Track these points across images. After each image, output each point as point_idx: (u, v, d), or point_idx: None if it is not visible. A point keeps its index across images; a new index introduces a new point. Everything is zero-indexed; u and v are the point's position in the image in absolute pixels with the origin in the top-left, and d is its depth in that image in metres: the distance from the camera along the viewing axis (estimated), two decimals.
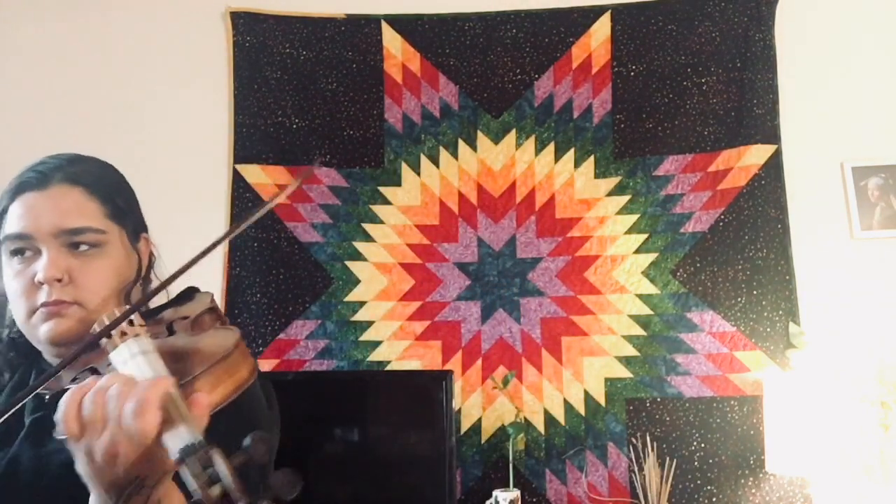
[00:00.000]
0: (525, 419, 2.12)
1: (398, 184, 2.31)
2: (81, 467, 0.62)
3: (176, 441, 0.56)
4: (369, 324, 2.23)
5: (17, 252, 0.85)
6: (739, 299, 2.15)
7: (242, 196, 2.32)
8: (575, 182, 2.28)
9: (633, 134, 2.28)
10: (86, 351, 0.66)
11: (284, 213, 2.29)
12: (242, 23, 2.42)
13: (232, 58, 2.41)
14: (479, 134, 2.34)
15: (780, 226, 2.18)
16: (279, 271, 2.26)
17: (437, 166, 2.33)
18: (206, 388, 0.64)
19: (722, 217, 2.20)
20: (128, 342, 0.66)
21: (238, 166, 2.33)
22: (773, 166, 2.21)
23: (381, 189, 2.31)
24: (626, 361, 2.16)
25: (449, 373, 1.97)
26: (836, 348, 2.00)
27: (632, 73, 2.31)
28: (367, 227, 2.29)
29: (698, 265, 2.18)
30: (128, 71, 2.46)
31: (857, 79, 2.27)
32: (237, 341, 0.69)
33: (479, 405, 2.16)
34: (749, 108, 2.25)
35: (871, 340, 2.04)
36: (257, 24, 2.41)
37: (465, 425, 2.14)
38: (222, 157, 2.36)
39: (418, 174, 2.32)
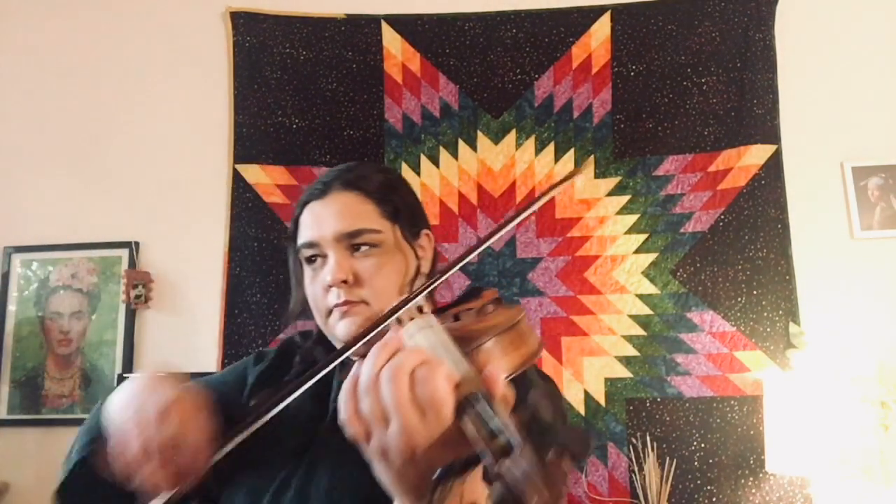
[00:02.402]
0: None
1: None
2: (381, 474, 0.56)
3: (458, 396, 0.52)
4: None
5: (310, 259, 0.91)
6: (739, 299, 2.15)
7: (242, 196, 2.32)
8: (575, 182, 2.28)
9: (633, 134, 2.28)
10: (371, 332, 0.63)
11: (284, 213, 2.29)
12: (242, 23, 2.42)
13: (232, 58, 2.41)
14: (479, 134, 2.34)
15: (780, 226, 2.18)
16: (279, 271, 2.25)
17: (437, 166, 2.32)
18: (493, 357, 0.60)
19: (722, 217, 2.20)
20: (415, 320, 0.64)
21: (238, 166, 2.33)
22: (773, 166, 2.21)
23: None
24: (626, 361, 2.16)
25: None
26: (836, 348, 2.00)
27: (632, 73, 2.31)
28: None
29: (698, 265, 2.18)
30: (128, 71, 2.47)
31: (857, 79, 2.27)
32: (524, 315, 0.67)
33: None
34: (749, 108, 2.25)
35: (871, 340, 2.04)
36: (257, 24, 2.41)
37: None
38: (222, 157, 2.36)
39: (418, 174, 2.32)
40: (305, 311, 0.95)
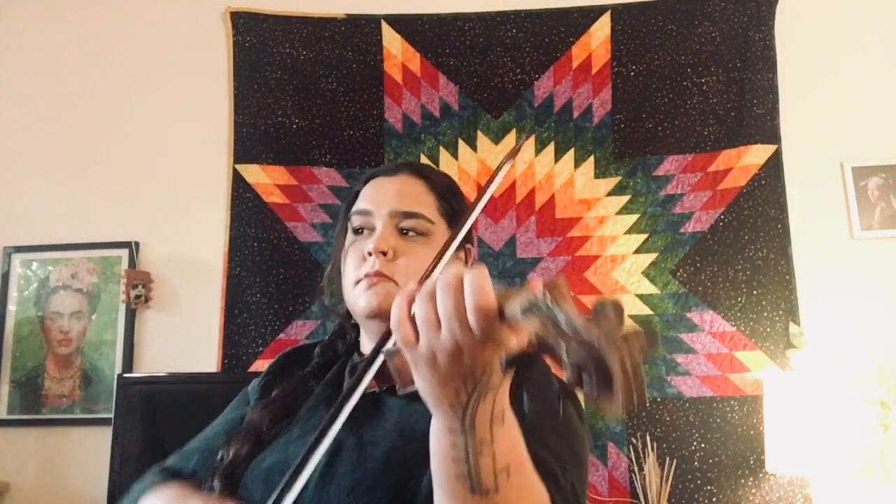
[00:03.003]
0: None
1: None
2: (423, 383, 0.59)
3: (515, 306, 0.52)
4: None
5: (357, 230, 0.93)
6: (739, 299, 2.15)
7: (242, 196, 2.32)
8: (575, 182, 2.28)
9: (633, 134, 2.28)
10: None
11: (284, 213, 2.29)
12: (242, 23, 2.42)
13: (232, 58, 2.41)
14: (479, 134, 2.34)
15: (780, 226, 2.18)
16: (279, 271, 2.25)
17: (437, 166, 2.32)
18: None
19: (722, 217, 2.20)
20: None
21: (238, 166, 2.33)
22: (773, 166, 2.21)
23: None
24: None
25: None
26: (836, 348, 2.00)
27: (632, 73, 2.31)
28: None
29: (698, 265, 2.18)
30: (128, 71, 2.47)
31: (857, 79, 2.27)
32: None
33: None
34: (749, 108, 2.25)
35: (871, 340, 2.04)
36: (257, 24, 2.41)
37: None
38: (222, 157, 2.36)
39: None
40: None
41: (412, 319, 0.58)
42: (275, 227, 2.28)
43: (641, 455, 2.06)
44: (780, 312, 2.13)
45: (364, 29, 2.40)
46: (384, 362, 0.68)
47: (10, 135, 2.47)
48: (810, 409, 1.79)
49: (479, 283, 0.56)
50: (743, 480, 2.04)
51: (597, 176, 2.27)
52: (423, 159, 2.32)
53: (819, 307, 2.13)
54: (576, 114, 2.32)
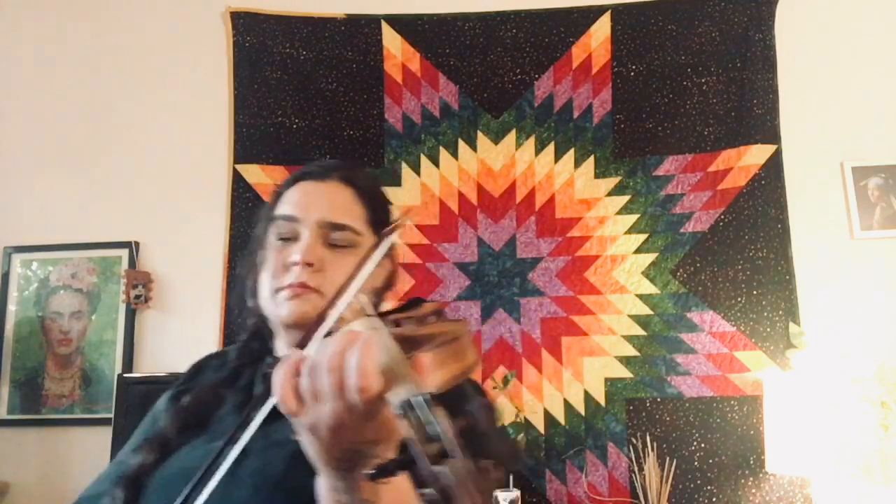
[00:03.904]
0: (525, 419, 2.11)
1: (398, 184, 2.31)
2: (308, 447, 0.60)
3: (398, 397, 0.54)
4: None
5: (280, 233, 0.91)
6: (739, 299, 2.15)
7: (242, 196, 2.32)
8: (575, 182, 2.28)
9: (633, 134, 2.28)
10: (318, 327, 0.67)
11: None
12: (242, 23, 2.42)
13: (232, 58, 2.41)
14: (479, 134, 2.34)
15: (780, 226, 2.18)
16: None
17: (437, 166, 2.32)
18: (431, 365, 0.63)
19: (722, 217, 2.20)
20: (360, 319, 0.67)
21: (238, 166, 2.33)
22: (773, 166, 2.21)
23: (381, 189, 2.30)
24: (626, 361, 2.16)
25: None
26: (836, 348, 2.00)
27: (632, 73, 2.31)
28: None
29: (698, 265, 2.18)
30: (128, 71, 2.47)
31: (857, 79, 2.27)
32: (467, 330, 0.69)
33: None
34: (749, 108, 2.25)
35: (871, 340, 2.04)
36: (257, 24, 2.41)
37: None
38: (222, 157, 2.36)
39: (418, 174, 2.32)
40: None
41: (295, 389, 0.58)
42: None
43: (641, 455, 2.06)
44: (780, 312, 2.13)
45: (364, 29, 2.40)
46: None
47: (11, 135, 2.47)
48: (810, 409, 1.79)
49: (362, 365, 0.55)
50: (743, 480, 2.04)
51: (597, 176, 2.27)
52: (423, 159, 2.32)
53: (819, 307, 2.13)
54: (576, 114, 2.32)
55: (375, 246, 0.79)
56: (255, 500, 0.78)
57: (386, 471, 0.54)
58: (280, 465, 0.79)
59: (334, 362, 0.56)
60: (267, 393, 0.68)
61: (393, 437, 0.59)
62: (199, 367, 1.02)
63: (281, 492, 0.78)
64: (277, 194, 0.94)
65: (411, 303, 0.83)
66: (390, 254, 0.95)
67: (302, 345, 0.68)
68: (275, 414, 0.82)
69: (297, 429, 0.60)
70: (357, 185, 0.94)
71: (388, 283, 0.97)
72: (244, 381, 0.94)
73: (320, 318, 0.69)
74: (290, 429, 0.77)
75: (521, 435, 2.08)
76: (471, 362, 0.68)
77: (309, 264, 0.86)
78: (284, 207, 0.92)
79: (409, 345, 0.64)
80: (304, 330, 0.78)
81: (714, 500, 2.04)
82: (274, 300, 0.88)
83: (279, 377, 0.59)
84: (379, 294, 0.95)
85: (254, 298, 0.95)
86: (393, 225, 0.78)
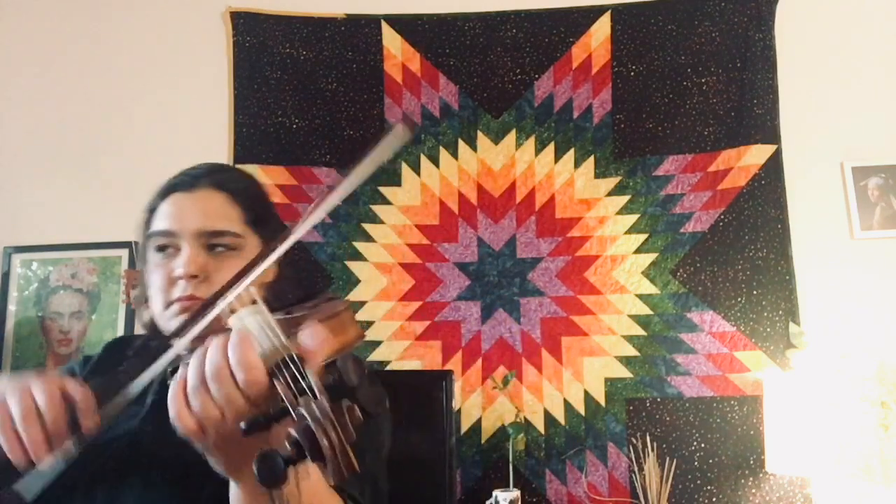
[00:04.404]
0: (525, 419, 2.12)
1: (398, 184, 2.31)
2: (220, 464, 0.61)
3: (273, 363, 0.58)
4: (369, 324, 2.22)
5: (160, 248, 0.91)
6: (739, 299, 2.15)
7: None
8: (575, 182, 2.28)
9: (633, 134, 2.28)
10: (201, 316, 0.68)
11: (284, 213, 2.27)
12: (242, 23, 2.42)
13: (232, 58, 2.41)
14: (479, 134, 2.34)
15: (780, 226, 2.18)
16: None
17: (437, 166, 2.33)
18: (312, 339, 0.65)
19: (722, 217, 2.20)
20: (246, 308, 0.70)
21: (238, 166, 2.33)
22: (773, 166, 2.21)
23: (381, 189, 2.31)
24: (626, 361, 2.16)
25: (449, 373, 1.97)
26: (836, 348, 2.00)
27: (632, 73, 2.31)
28: (367, 227, 2.29)
29: (698, 265, 2.18)
30: (128, 70, 2.47)
31: (857, 79, 2.27)
32: (347, 306, 0.72)
33: (479, 405, 2.16)
34: (749, 108, 2.25)
35: (871, 340, 2.04)
36: (257, 24, 2.41)
37: (465, 425, 2.14)
38: (222, 157, 2.35)
39: (418, 174, 2.32)
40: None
41: (190, 409, 0.58)
42: None
43: (641, 455, 2.06)
44: (780, 312, 2.13)
45: (364, 29, 2.40)
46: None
47: (10, 135, 2.47)
48: (810, 409, 1.79)
49: (243, 361, 0.56)
50: (743, 480, 2.04)
51: (597, 176, 2.27)
52: (423, 159, 2.32)
53: (819, 307, 2.13)
54: (576, 114, 2.32)
55: (263, 255, 0.79)
56: (143, 495, 0.80)
57: (257, 423, 0.55)
58: (170, 461, 0.80)
59: (218, 371, 0.57)
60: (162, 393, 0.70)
61: None
62: (109, 350, 1.02)
63: (174, 471, 0.79)
64: (151, 210, 0.94)
65: (307, 296, 0.85)
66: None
67: (193, 348, 0.69)
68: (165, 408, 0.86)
69: (204, 450, 0.60)
70: (229, 187, 0.94)
71: (278, 277, 0.98)
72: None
73: (202, 311, 0.70)
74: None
75: (522, 435, 2.09)
76: (351, 338, 0.70)
77: (193, 276, 0.86)
78: (160, 223, 0.92)
79: (291, 326, 0.67)
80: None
81: (714, 500, 2.04)
82: (164, 315, 0.88)
83: (172, 400, 0.59)
84: (270, 287, 0.95)
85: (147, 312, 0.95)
86: (281, 237, 0.79)
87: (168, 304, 0.88)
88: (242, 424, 0.55)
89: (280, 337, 0.61)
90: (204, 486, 0.73)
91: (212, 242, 0.90)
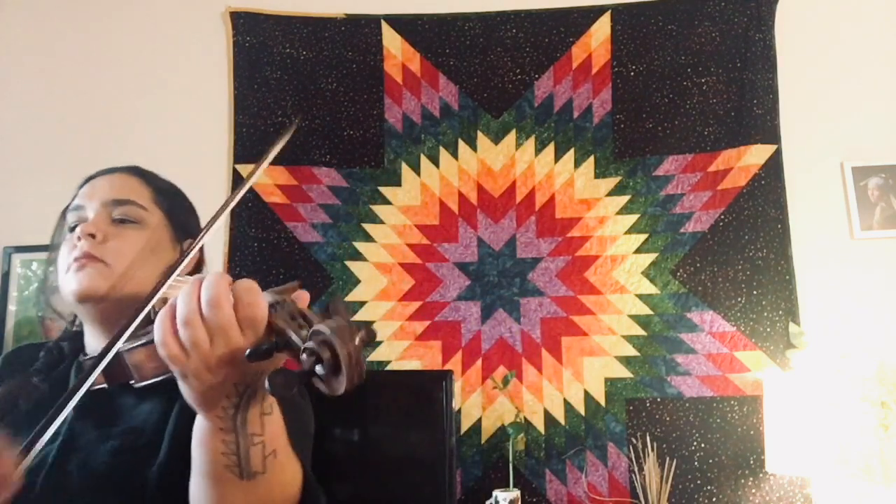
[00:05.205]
0: (525, 419, 2.12)
1: (398, 184, 2.31)
2: (192, 393, 0.62)
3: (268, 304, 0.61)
4: (369, 324, 2.22)
5: (72, 226, 0.94)
6: (739, 299, 2.15)
7: (242, 196, 2.31)
8: (575, 182, 2.28)
9: (633, 134, 2.28)
10: (141, 310, 0.69)
11: (284, 213, 2.29)
12: (242, 23, 2.42)
13: (232, 58, 2.41)
14: (479, 134, 2.34)
15: (780, 226, 2.18)
16: (279, 271, 2.25)
17: (437, 166, 2.32)
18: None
19: (722, 217, 2.20)
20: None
21: (238, 166, 2.33)
22: (773, 166, 2.21)
23: (381, 189, 2.31)
24: (626, 361, 2.16)
25: (449, 373, 1.96)
26: (836, 348, 2.00)
27: (632, 73, 2.31)
28: (367, 227, 2.28)
29: (698, 265, 2.18)
30: (128, 70, 2.47)
31: (857, 79, 2.27)
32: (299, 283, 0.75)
33: (479, 405, 2.16)
34: (749, 108, 2.25)
35: (871, 340, 2.04)
36: (257, 24, 2.41)
37: (465, 425, 2.14)
38: (222, 157, 2.36)
39: (418, 174, 2.32)
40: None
41: (176, 336, 0.60)
42: (275, 227, 2.28)
43: (641, 455, 2.06)
44: (780, 312, 2.13)
45: (364, 29, 2.40)
46: (118, 359, 0.70)
47: (10, 135, 2.47)
48: (810, 409, 1.79)
49: (251, 300, 0.59)
50: (743, 480, 2.04)
51: (597, 176, 2.27)
52: (423, 159, 2.32)
53: (819, 307, 2.13)
54: (576, 114, 2.32)
55: (189, 248, 0.81)
56: (84, 491, 0.80)
57: (260, 352, 0.58)
58: (107, 458, 0.82)
59: (218, 297, 0.59)
60: (83, 381, 0.69)
61: (275, 364, 0.62)
62: (11, 361, 1.02)
63: (109, 481, 0.81)
64: (70, 201, 0.99)
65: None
66: (177, 241, 1.00)
67: (118, 336, 0.69)
68: (102, 411, 0.86)
69: (181, 375, 0.62)
70: (144, 174, 1.00)
71: (198, 268, 1.03)
72: (59, 374, 0.95)
73: (143, 305, 0.71)
74: (115, 425, 0.77)
75: (522, 435, 2.09)
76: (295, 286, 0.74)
77: (91, 235, 0.89)
78: (73, 202, 0.97)
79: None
80: (97, 302, 0.84)
81: (714, 500, 2.04)
82: (65, 280, 0.91)
83: (160, 324, 0.61)
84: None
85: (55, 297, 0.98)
86: (208, 224, 0.81)
87: (68, 268, 0.90)
88: (247, 351, 0.57)
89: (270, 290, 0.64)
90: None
91: (116, 213, 0.94)
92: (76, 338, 1.00)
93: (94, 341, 0.96)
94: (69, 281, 0.90)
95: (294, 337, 0.57)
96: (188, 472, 0.70)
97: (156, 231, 0.97)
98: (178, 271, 0.74)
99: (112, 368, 0.71)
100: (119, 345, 0.69)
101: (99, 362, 0.68)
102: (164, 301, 0.67)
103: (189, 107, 2.42)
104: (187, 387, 0.62)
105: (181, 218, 1.03)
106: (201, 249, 1.03)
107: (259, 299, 0.60)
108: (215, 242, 2.30)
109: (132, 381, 0.70)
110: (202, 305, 0.59)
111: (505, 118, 2.34)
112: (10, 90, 2.49)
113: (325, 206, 2.30)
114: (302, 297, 0.64)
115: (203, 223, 2.50)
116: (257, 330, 0.60)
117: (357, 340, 0.53)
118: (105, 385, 0.82)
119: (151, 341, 0.70)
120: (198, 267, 1.04)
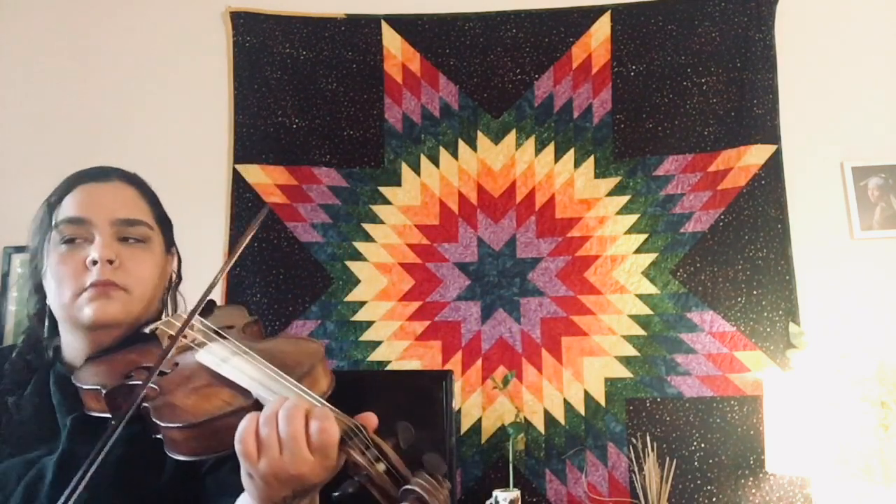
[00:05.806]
0: (525, 419, 2.12)
1: (398, 184, 2.31)
2: (251, 484, 0.64)
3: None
4: (369, 324, 2.22)
5: (68, 240, 0.90)
6: (739, 299, 2.15)
7: (242, 196, 2.31)
8: (575, 182, 2.28)
9: (633, 134, 2.28)
10: (169, 350, 0.71)
11: (284, 213, 2.29)
12: (242, 23, 2.42)
13: (232, 58, 2.41)
14: (479, 134, 2.34)
15: (780, 226, 2.18)
16: (279, 271, 2.25)
17: (437, 166, 2.33)
18: (312, 386, 0.71)
19: (722, 217, 2.20)
20: (213, 345, 0.73)
21: (238, 166, 2.33)
22: (773, 166, 2.21)
23: (381, 189, 2.31)
24: (626, 361, 2.16)
25: (449, 373, 1.96)
26: (836, 348, 2.00)
27: (632, 73, 2.31)
28: (367, 227, 2.28)
29: (698, 265, 2.18)
30: (127, 70, 2.47)
31: (857, 79, 2.27)
32: (322, 351, 0.79)
33: (479, 405, 2.16)
34: (749, 108, 2.25)
35: (871, 340, 2.04)
36: (257, 24, 2.41)
37: (465, 425, 2.14)
38: (222, 157, 2.36)
39: (418, 174, 2.32)
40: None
41: (257, 435, 0.62)
42: (275, 227, 2.28)
43: (641, 455, 2.06)
44: (780, 312, 2.13)
45: (364, 29, 2.40)
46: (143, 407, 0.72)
47: (10, 135, 2.47)
48: (810, 409, 1.79)
49: (324, 425, 0.61)
50: (743, 480, 2.04)
51: (597, 176, 2.27)
52: (423, 159, 2.32)
53: (819, 307, 2.13)
54: (576, 114, 2.32)
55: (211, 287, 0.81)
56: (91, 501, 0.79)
57: (345, 494, 0.61)
58: (111, 468, 0.80)
59: (290, 413, 0.61)
60: (72, 400, 0.69)
61: (331, 476, 0.64)
62: None
63: (113, 494, 0.80)
64: (54, 202, 0.94)
65: (206, 306, 0.89)
66: (168, 252, 1.00)
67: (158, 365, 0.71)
68: (99, 434, 0.83)
69: (247, 473, 0.64)
70: (137, 183, 0.97)
71: (172, 284, 1.04)
72: (34, 388, 0.92)
73: (174, 339, 0.72)
74: (114, 448, 0.77)
75: (522, 435, 2.09)
76: (329, 381, 0.79)
77: (110, 261, 0.87)
78: (69, 210, 0.91)
79: (280, 364, 0.72)
80: (112, 328, 0.83)
81: (714, 500, 2.04)
82: (74, 305, 0.87)
83: (243, 426, 0.63)
84: (167, 293, 1.02)
85: (39, 312, 0.95)
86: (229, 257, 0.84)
87: (80, 292, 0.87)
88: (334, 494, 0.61)
89: (340, 413, 0.66)
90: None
91: (125, 232, 0.91)
92: (40, 347, 0.96)
93: (74, 352, 0.92)
94: (83, 307, 0.87)
95: (376, 481, 0.60)
96: (195, 487, 0.71)
97: (158, 247, 0.96)
98: (195, 313, 0.75)
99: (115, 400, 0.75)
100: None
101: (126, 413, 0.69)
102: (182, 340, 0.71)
103: (189, 107, 2.42)
104: (252, 486, 0.64)
105: (167, 227, 1.02)
106: (179, 264, 1.05)
107: (331, 426, 0.62)
108: (215, 243, 2.31)
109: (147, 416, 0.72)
110: (279, 415, 0.62)
111: (505, 118, 2.34)
112: (9, 90, 2.49)
113: (325, 206, 2.30)
114: (370, 422, 0.66)
115: (202, 220, 2.50)
116: (326, 454, 0.61)
117: (442, 498, 0.57)
118: (101, 413, 0.82)
119: (97, 389, 0.74)
120: (177, 283, 1.06)
